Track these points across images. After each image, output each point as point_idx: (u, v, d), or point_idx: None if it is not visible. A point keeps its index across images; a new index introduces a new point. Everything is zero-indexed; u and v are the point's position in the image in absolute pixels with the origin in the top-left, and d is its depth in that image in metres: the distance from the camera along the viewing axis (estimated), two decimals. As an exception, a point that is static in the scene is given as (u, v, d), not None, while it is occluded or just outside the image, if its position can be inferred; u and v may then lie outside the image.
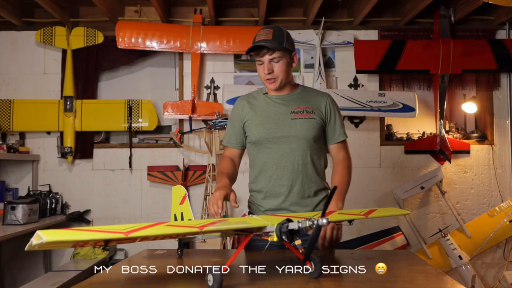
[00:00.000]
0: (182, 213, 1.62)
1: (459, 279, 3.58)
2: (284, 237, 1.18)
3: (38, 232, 0.95)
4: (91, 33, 3.92)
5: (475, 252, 3.78)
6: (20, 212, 3.17)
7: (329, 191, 1.35)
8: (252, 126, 1.84)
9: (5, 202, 3.29)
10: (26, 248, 0.98)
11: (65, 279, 3.09)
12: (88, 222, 3.90)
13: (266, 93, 1.89)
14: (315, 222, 1.15)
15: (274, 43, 1.71)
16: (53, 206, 3.74)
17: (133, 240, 1.09)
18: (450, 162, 3.88)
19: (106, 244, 1.06)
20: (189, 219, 1.58)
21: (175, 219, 1.65)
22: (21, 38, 4.02)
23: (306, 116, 1.80)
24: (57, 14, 3.75)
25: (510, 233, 3.79)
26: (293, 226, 1.17)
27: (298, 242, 1.19)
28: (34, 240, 0.94)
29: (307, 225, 1.16)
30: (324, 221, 1.15)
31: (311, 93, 1.91)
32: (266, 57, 1.74)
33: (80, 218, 3.85)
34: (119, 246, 3.91)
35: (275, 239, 1.21)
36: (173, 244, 1.73)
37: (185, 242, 1.67)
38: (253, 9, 4.11)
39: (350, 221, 1.46)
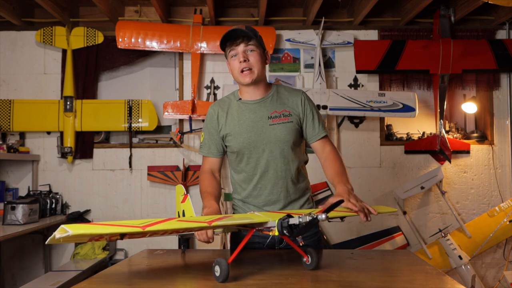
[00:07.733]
0: (183, 211, 1.65)
1: (459, 279, 3.58)
2: (285, 232, 1.23)
3: (62, 226, 0.99)
4: (91, 33, 3.92)
5: (475, 252, 3.78)
6: (20, 212, 3.17)
7: (333, 201, 1.33)
8: (232, 137, 1.77)
9: (5, 202, 3.29)
10: (47, 242, 1.04)
11: (65, 279, 3.09)
12: (88, 222, 3.90)
13: (240, 99, 1.81)
14: (315, 216, 1.19)
15: (248, 32, 1.69)
16: (53, 206, 3.74)
17: (144, 234, 1.16)
18: (450, 162, 3.88)
19: (122, 237, 1.13)
20: (191, 217, 1.60)
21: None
22: (21, 38, 4.02)
23: (284, 120, 1.74)
24: (57, 14, 3.75)
25: (510, 233, 3.79)
26: (294, 221, 1.22)
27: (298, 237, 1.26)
28: (58, 234, 0.98)
29: (307, 220, 1.20)
30: (323, 216, 1.19)
31: (286, 92, 1.82)
32: (241, 46, 1.70)
33: (80, 218, 3.85)
34: (119, 246, 3.91)
35: (276, 233, 1.26)
36: (173, 244, 1.73)
37: (186, 239, 1.70)
38: (253, 9, 4.11)
39: (342, 218, 1.49)
